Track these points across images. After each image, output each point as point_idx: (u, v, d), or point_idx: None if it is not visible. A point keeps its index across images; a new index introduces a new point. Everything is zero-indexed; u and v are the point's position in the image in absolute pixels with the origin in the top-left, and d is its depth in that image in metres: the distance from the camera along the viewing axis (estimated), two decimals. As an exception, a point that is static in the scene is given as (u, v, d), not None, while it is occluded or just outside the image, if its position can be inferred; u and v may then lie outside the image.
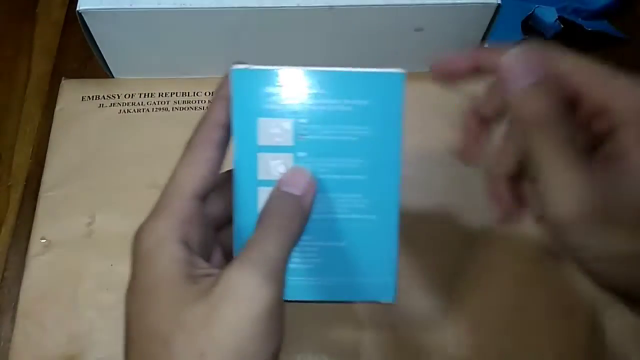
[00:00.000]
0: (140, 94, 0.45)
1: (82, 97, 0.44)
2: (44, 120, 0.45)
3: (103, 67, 0.44)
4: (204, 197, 0.24)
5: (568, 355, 0.37)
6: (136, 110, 0.44)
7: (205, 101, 0.45)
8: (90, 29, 0.40)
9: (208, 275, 0.23)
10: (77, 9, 0.38)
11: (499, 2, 0.39)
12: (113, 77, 0.46)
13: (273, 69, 0.24)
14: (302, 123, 0.24)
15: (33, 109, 0.46)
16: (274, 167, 0.24)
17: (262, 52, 0.43)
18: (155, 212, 0.24)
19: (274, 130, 0.24)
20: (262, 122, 0.24)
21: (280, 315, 0.22)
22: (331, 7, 0.39)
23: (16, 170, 0.43)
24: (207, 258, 0.25)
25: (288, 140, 0.24)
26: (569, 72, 0.24)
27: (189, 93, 0.45)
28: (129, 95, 0.45)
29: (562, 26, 0.49)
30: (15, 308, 0.37)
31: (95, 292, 0.37)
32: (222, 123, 0.24)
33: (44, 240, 0.39)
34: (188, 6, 0.39)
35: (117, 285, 0.38)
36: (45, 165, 0.42)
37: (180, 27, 0.41)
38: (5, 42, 0.49)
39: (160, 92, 0.45)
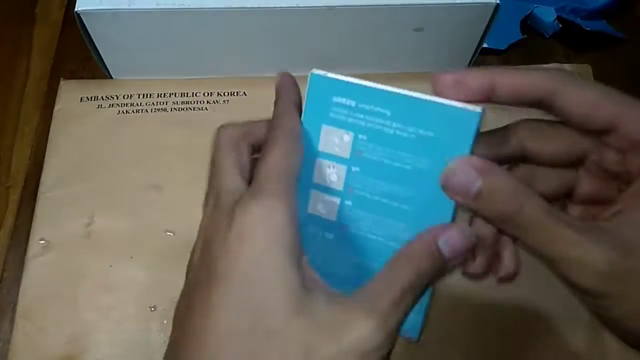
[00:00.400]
0: (139, 95, 0.45)
1: (81, 97, 0.44)
2: (43, 121, 0.45)
3: (102, 67, 0.44)
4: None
5: (567, 355, 0.37)
6: (135, 111, 0.44)
7: (204, 101, 0.45)
8: (89, 30, 0.40)
9: (322, 292, 0.21)
10: (75, 9, 0.38)
11: (498, 1, 0.39)
12: (112, 77, 0.46)
13: (348, 81, 0.23)
14: (362, 139, 0.24)
15: (32, 109, 0.46)
16: (328, 174, 0.25)
17: (262, 53, 0.43)
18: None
19: (334, 140, 0.24)
20: (326, 129, 0.24)
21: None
22: (331, 7, 0.39)
23: (15, 171, 0.43)
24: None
25: (345, 152, 0.24)
26: (600, 103, 0.23)
27: (187, 94, 0.45)
28: (128, 96, 0.45)
29: (561, 26, 0.49)
30: (14, 309, 0.37)
31: (95, 293, 0.37)
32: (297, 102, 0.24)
33: (43, 241, 0.39)
34: (187, 6, 0.39)
35: (116, 286, 0.38)
36: (44, 166, 0.42)
37: (179, 27, 0.41)
38: (4, 43, 0.49)
39: (159, 92, 0.45)
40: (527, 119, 0.26)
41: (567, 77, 0.23)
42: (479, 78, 0.24)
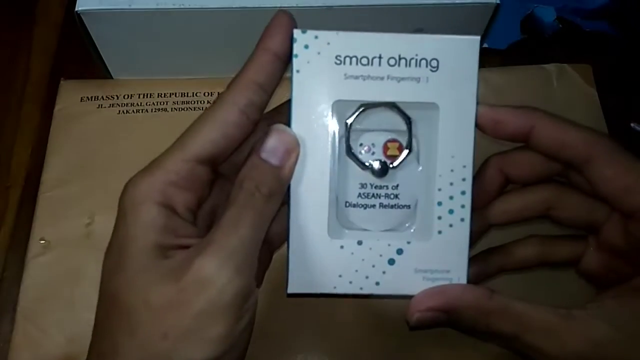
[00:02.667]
0: (140, 95, 0.45)
1: (81, 97, 0.44)
2: (43, 121, 0.44)
3: (102, 67, 0.44)
4: (213, 161, 0.23)
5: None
6: (135, 111, 0.44)
7: (204, 102, 0.45)
8: (89, 30, 0.40)
9: (184, 247, 0.22)
10: (76, 9, 0.38)
11: (498, 1, 0.39)
12: (112, 77, 0.46)
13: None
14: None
15: (32, 109, 0.46)
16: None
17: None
18: (147, 167, 0.23)
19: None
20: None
21: (252, 304, 0.22)
22: (330, 7, 0.39)
23: (15, 171, 0.43)
24: (203, 223, 0.24)
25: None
26: (634, 188, 0.23)
27: (188, 94, 0.45)
28: (128, 96, 0.45)
29: (561, 26, 0.49)
30: (14, 309, 0.37)
31: (95, 293, 0.37)
32: (258, 81, 0.23)
33: (43, 241, 0.39)
34: (187, 6, 0.39)
35: (116, 286, 0.38)
36: (45, 166, 0.42)
37: (180, 27, 0.41)
38: (4, 43, 0.49)
39: (160, 92, 0.45)
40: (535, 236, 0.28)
41: (606, 145, 0.24)
42: (519, 121, 0.25)
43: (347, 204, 0.26)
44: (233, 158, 0.25)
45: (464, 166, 0.25)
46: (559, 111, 0.45)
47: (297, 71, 0.24)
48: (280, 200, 0.23)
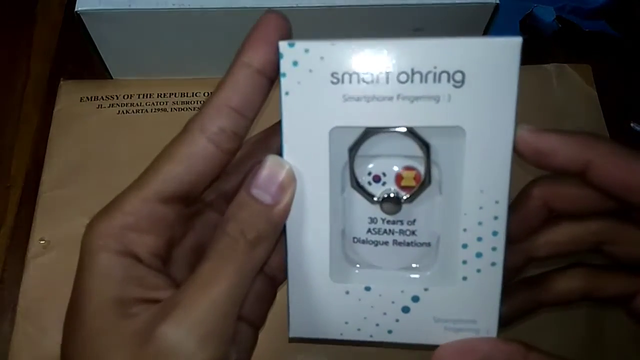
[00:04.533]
0: (139, 95, 0.45)
1: (81, 98, 0.44)
2: (43, 121, 0.44)
3: (101, 68, 0.44)
4: (181, 199, 0.20)
5: (567, 354, 0.37)
6: (135, 111, 0.44)
7: (204, 102, 0.45)
8: (89, 30, 0.40)
9: (152, 301, 0.19)
10: (75, 9, 0.38)
11: (498, 1, 0.39)
12: (112, 78, 0.46)
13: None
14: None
15: (32, 110, 0.46)
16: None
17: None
18: (105, 207, 0.20)
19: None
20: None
21: None
22: (330, 7, 0.39)
23: (15, 171, 0.43)
24: (176, 264, 0.21)
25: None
26: None
27: (187, 94, 0.45)
28: (128, 96, 0.45)
29: (560, 26, 0.49)
30: (14, 309, 0.37)
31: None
32: (233, 104, 0.19)
33: (43, 241, 0.39)
34: (187, 6, 0.39)
35: (116, 286, 0.38)
36: (44, 166, 0.42)
37: (179, 27, 0.41)
38: (4, 43, 0.49)
39: (159, 92, 0.45)
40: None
41: None
42: (571, 153, 0.20)
43: (356, 240, 0.22)
44: (221, 186, 0.22)
45: (497, 202, 0.20)
46: (559, 111, 0.45)
47: (286, 93, 0.20)
48: (272, 245, 0.20)
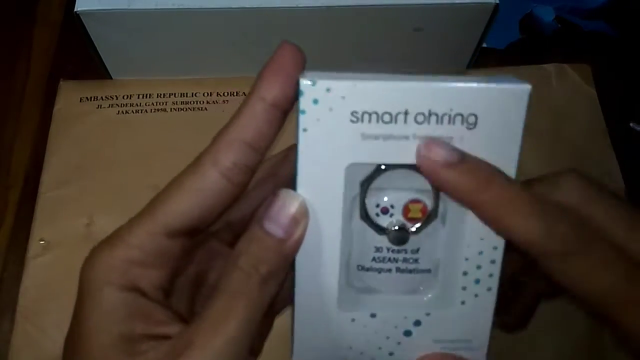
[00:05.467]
0: (139, 95, 0.45)
1: (81, 98, 0.44)
2: (43, 122, 0.44)
3: (101, 68, 0.44)
4: (188, 233, 0.19)
5: (568, 355, 0.37)
6: (134, 111, 0.44)
7: (204, 102, 0.45)
8: (88, 30, 0.40)
9: (160, 337, 0.18)
10: (75, 9, 0.38)
11: (497, 1, 0.39)
12: (111, 78, 0.46)
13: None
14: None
15: (31, 110, 0.46)
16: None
17: (262, 53, 0.43)
18: (108, 238, 0.19)
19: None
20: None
21: None
22: (331, 7, 0.39)
23: (15, 171, 0.43)
24: (183, 300, 0.21)
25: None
26: None
27: (187, 94, 0.45)
28: (127, 96, 0.45)
29: (560, 25, 0.49)
30: (14, 309, 0.37)
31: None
32: (247, 139, 0.19)
33: (43, 242, 0.39)
34: (186, 7, 0.39)
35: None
36: (44, 166, 0.42)
37: (179, 27, 0.41)
38: (4, 43, 0.49)
39: (159, 92, 0.45)
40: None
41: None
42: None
43: (360, 268, 0.23)
44: (226, 215, 0.22)
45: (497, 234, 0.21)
46: (558, 111, 0.45)
47: (304, 130, 0.20)
48: (282, 279, 0.20)
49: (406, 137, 0.20)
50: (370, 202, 0.22)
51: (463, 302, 0.22)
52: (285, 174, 0.21)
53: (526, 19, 0.50)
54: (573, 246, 0.19)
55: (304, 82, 0.19)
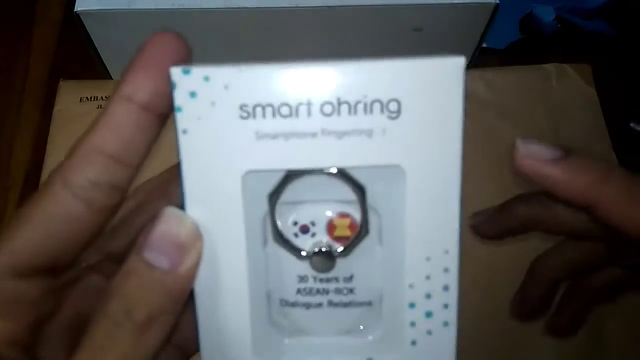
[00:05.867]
0: (139, 95, 0.45)
1: (80, 98, 0.44)
2: (42, 122, 0.44)
3: (101, 68, 0.44)
4: (43, 270, 0.16)
5: (568, 355, 0.37)
6: (134, 111, 0.44)
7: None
8: (88, 30, 0.40)
9: None
10: (75, 9, 0.38)
11: (498, 1, 0.39)
12: (111, 78, 0.46)
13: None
14: None
15: (31, 110, 0.46)
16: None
17: (262, 52, 0.43)
18: None
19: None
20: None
21: None
22: (331, 7, 0.39)
23: (15, 171, 0.43)
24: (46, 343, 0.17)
25: None
26: None
27: (187, 94, 0.45)
28: (128, 96, 0.45)
29: (560, 25, 0.49)
30: (14, 310, 0.37)
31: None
32: (108, 150, 0.16)
33: (43, 242, 0.39)
34: (186, 7, 0.39)
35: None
36: (44, 166, 0.42)
37: (178, 28, 0.40)
38: (4, 43, 0.49)
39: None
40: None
41: None
42: (576, 191, 0.18)
43: (284, 303, 0.19)
44: (107, 245, 0.18)
45: (446, 252, 0.17)
46: (558, 111, 0.45)
47: (184, 132, 0.16)
48: (172, 321, 0.16)
49: (313, 134, 0.16)
50: (285, 220, 0.18)
51: (414, 343, 0.18)
52: (175, 192, 0.17)
53: (526, 19, 0.50)
54: None
55: (175, 71, 0.16)
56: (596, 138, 0.44)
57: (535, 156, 0.18)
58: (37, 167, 0.42)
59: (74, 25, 0.39)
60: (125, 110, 0.15)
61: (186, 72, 0.16)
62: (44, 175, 0.41)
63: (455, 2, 0.40)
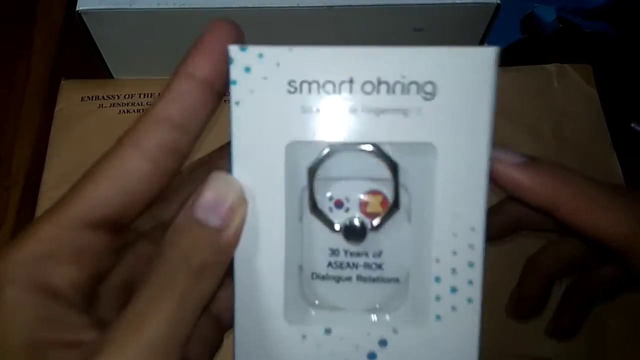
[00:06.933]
0: (140, 94, 0.45)
1: (82, 97, 0.44)
2: (44, 121, 0.45)
3: (102, 67, 0.44)
4: (112, 224, 0.17)
5: (568, 354, 0.37)
6: (136, 111, 0.44)
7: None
8: (90, 30, 0.40)
9: (73, 344, 0.16)
10: (77, 9, 0.38)
11: (499, 1, 0.39)
12: (113, 77, 0.46)
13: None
14: None
15: (33, 109, 0.46)
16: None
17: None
18: (17, 236, 0.17)
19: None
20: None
21: None
22: (331, 7, 0.39)
23: (15, 171, 0.43)
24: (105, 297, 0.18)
25: None
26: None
27: (188, 93, 0.45)
28: (129, 96, 0.45)
29: (561, 25, 0.49)
30: (15, 309, 0.37)
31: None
32: (173, 118, 0.17)
33: (44, 241, 0.39)
34: (188, 6, 0.39)
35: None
36: (45, 165, 0.42)
37: (180, 27, 0.41)
38: (5, 43, 0.49)
39: (160, 92, 0.45)
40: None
41: None
42: (539, 193, 0.19)
43: (315, 276, 0.20)
44: (159, 214, 0.20)
45: (472, 229, 0.18)
46: (559, 111, 0.45)
47: (237, 103, 0.18)
48: (219, 277, 0.17)
49: (353, 110, 0.18)
50: (321, 195, 0.19)
51: (438, 317, 0.18)
52: (225, 168, 0.18)
53: (527, 19, 0.50)
54: None
55: (233, 48, 0.18)
56: (597, 138, 0.44)
57: (501, 161, 0.18)
58: (37, 167, 0.42)
59: (75, 25, 0.40)
60: (188, 85, 0.17)
61: (243, 49, 0.18)
62: (45, 175, 0.41)
63: (456, 2, 0.40)
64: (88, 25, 0.40)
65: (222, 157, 0.20)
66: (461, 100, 0.18)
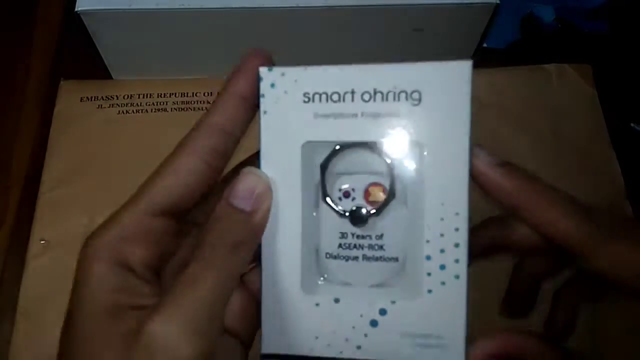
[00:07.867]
0: (139, 95, 0.45)
1: (81, 98, 0.44)
2: (43, 121, 0.45)
3: (102, 68, 0.44)
4: (174, 212, 0.21)
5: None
6: (135, 111, 0.44)
7: (204, 101, 0.45)
8: (89, 30, 0.40)
9: (141, 307, 0.20)
10: (76, 9, 0.38)
11: (498, 1, 0.39)
12: (112, 78, 0.46)
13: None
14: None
15: (32, 110, 0.46)
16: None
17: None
18: (103, 223, 0.21)
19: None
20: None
21: None
22: (331, 7, 0.39)
23: (15, 171, 0.43)
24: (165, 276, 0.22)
25: None
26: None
27: (187, 94, 0.45)
28: (128, 96, 0.45)
29: (560, 25, 0.49)
30: (14, 309, 0.37)
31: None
32: (222, 126, 0.21)
33: (43, 242, 0.39)
34: (187, 6, 0.39)
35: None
36: (45, 166, 0.42)
37: (179, 27, 0.41)
38: (4, 43, 0.49)
39: (159, 92, 0.45)
40: None
41: (603, 233, 0.21)
42: (504, 194, 0.22)
43: (328, 256, 0.23)
44: (208, 207, 0.23)
45: (457, 214, 0.21)
46: (559, 111, 0.45)
47: (265, 112, 0.22)
48: (251, 252, 0.21)
49: (355, 115, 0.22)
50: (332, 187, 0.23)
51: (430, 291, 0.22)
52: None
53: (527, 19, 0.50)
54: (618, 233, 0.21)
55: (262, 69, 0.22)
56: (596, 138, 0.44)
57: (479, 158, 0.22)
58: (37, 166, 0.42)
59: (74, 26, 0.40)
60: (232, 99, 0.22)
61: (270, 70, 0.22)
62: (45, 175, 0.41)
63: (456, 2, 0.40)
64: (87, 26, 0.40)
65: (252, 161, 0.24)
66: (442, 105, 0.21)
